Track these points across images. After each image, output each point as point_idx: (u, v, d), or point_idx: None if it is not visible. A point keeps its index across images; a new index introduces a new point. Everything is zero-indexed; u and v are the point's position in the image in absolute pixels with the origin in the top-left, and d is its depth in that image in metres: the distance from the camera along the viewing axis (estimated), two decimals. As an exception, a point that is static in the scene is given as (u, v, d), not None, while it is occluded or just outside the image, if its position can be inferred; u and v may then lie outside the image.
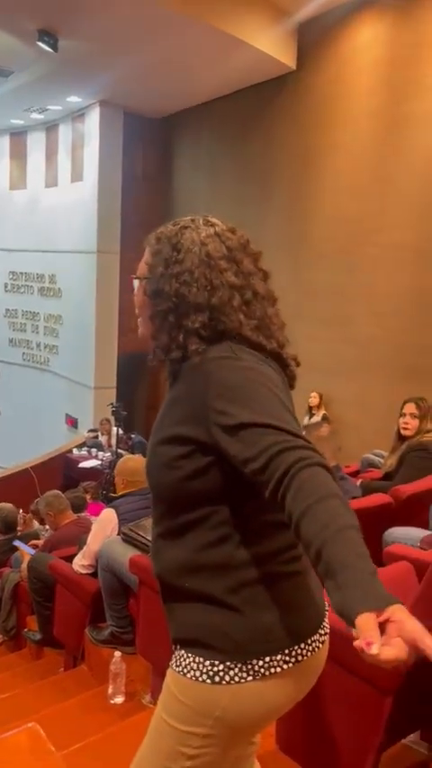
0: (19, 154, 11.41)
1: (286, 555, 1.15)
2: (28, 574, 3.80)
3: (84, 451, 9.03)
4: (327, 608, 1.26)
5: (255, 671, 1.11)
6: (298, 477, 0.96)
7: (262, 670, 1.11)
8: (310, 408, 7.61)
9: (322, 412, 7.59)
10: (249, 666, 1.11)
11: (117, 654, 2.78)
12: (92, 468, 8.29)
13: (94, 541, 3.23)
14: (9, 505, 5.10)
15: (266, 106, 8.31)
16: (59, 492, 4.46)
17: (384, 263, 6.84)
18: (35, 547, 4.29)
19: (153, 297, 1.21)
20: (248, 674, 1.11)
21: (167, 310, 1.19)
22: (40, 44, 6.71)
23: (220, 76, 8.15)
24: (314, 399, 7.58)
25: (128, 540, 2.98)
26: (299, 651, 1.14)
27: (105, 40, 7.11)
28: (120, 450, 7.97)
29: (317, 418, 7.44)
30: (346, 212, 7.28)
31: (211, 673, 1.12)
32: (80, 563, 3.34)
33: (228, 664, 1.12)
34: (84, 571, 3.32)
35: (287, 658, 1.12)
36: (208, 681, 1.12)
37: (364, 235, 7.06)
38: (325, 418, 7.36)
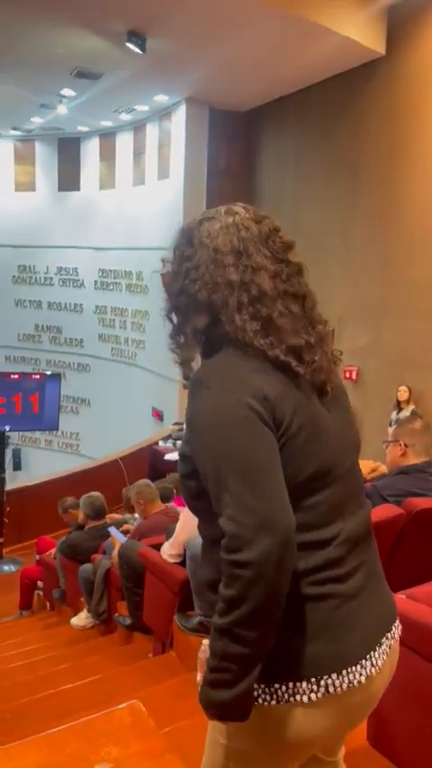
0: (108, 155, 11.74)
1: (317, 576, 1.05)
2: (118, 560, 3.92)
3: (169, 444, 9.21)
4: (387, 639, 1.12)
5: (278, 695, 1.05)
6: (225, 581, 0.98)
7: (286, 695, 1.04)
8: (399, 403, 7.39)
9: (411, 407, 7.35)
10: (273, 689, 1.05)
11: (205, 642, 2.82)
12: (177, 460, 8.43)
13: (182, 531, 3.29)
14: (97, 493, 5.28)
15: (354, 94, 8.11)
16: (150, 481, 4.58)
17: None
18: (126, 533, 4.42)
19: (166, 294, 1.16)
20: (272, 698, 1.05)
21: (175, 309, 1.14)
22: (129, 45, 6.86)
23: (306, 66, 8.03)
24: (403, 393, 7.35)
25: (215, 530, 3.01)
26: (329, 682, 1.04)
27: (191, 37, 7.18)
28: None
29: (405, 413, 7.22)
30: (439, 200, 7.00)
31: None
32: (168, 552, 3.41)
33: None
34: (172, 560, 3.39)
35: (314, 687, 1.04)
36: None
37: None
38: (414, 413, 7.12)
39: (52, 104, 9.73)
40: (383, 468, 2.95)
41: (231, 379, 1.03)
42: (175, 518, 3.78)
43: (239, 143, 10.38)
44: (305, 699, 1.03)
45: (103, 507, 5.18)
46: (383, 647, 1.11)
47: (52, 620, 5.53)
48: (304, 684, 1.04)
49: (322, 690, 1.04)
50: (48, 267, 12.74)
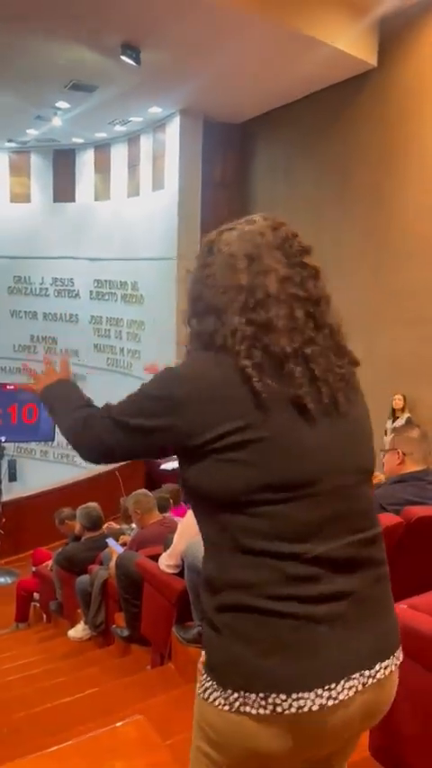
0: (103, 167, 11.79)
1: (274, 590, 1.04)
2: (116, 571, 3.90)
3: (165, 454, 9.18)
4: (363, 676, 1.07)
5: (230, 702, 1.05)
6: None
7: (237, 704, 1.04)
8: (394, 411, 7.40)
9: (406, 415, 7.37)
10: (227, 694, 1.05)
11: (204, 655, 2.80)
12: (173, 469, 8.41)
13: (179, 541, 3.28)
14: (94, 504, 5.27)
15: (347, 105, 8.18)
16: (147, 491, 4.56)
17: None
18: (124, 544, 4.41)
19: (187, 300, 1.21)
20: (225, 702, 1.06)
21: (193, 314, 1.18)
22: (123, 58, 6.91)
23: (299, 78, 8.10)
24: (398, 402, 7.37)
25: (213, 541, 3.00)
26: (278, 702, 1.02)
27: (185, 50, 7.24)
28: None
29: (401, 421, 7.23)
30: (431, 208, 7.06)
31: (203, 686, 1.10)
32: (166, 563, 3.39)
33: (212, 683, 1.08)
34: (170, 570, 3.37)
35: (262, 702, 1.02)
36: (200, 693, 1.10)
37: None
38: (409, 421, 7.14)
39: (47, 116, 9.78)
40: (381, 477, 2.96)
41: (186, 375, 1.12)
42: (173, 528, 3.76)
43: (233, 154, 10.44)
44: (254, 711, 1.04)
45: (99, 518, 5.16)
46: (354, 682, 1.06)
47: (49, 632, 5.49)
48: (253, 696, 1.04)
49: (270, 707, 1.03)
50: (43, 278, 12.75)
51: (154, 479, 8.45)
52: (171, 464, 8.59)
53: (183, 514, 4.29)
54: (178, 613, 3.32)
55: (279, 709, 1.02)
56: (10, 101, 9.13)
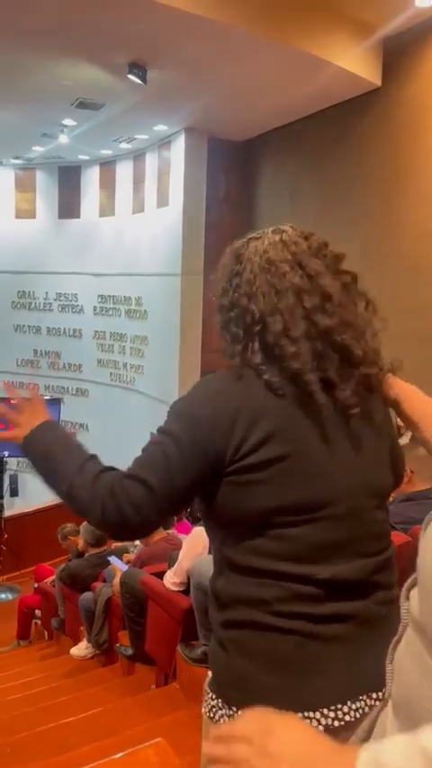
0: (108, 183, 11.89)
1: (282, 608, 1.03)
2: (120, 589, 3.87)
3: (169, 470, 9.15)
4: (372, 699, 1.04)
5: (234, 719, 1.02)
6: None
7: None
8: (399, 428, 7.37)
9: (410, 432, 7.34)
10: (231, 712, 1.04)
11: (210, 673, 2.77)
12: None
13: (185, 559, 3.26)
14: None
15: (351, 124, 8.25)
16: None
17: None
18: (128, 562, 4.37)
19: (217, 310, 1.20)
20: (230, 721, 1.02)
21: (226, 323, 1.16)
22: (130, 77, 6.98)
23: (304, 97, 8.18)
24: (402, 419, 7.35)
25: (219, 558, 2.98)
26: None
27: (191, 69, 7.32)
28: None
29: (405, 438, 7.20)
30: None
31: (209, 705, 1.08)
32: (172, 580, 3.36)
33: (218, 701, 1.06)
34: (175, 588, 3.34)
35: None
36: (206, 712, 1.09)
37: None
38: (414, 438, 7.11)
39: (54, 134, 9.87)
40: (389, 495, 2.94)
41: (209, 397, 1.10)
42: (178, 545, 3.74)
43: (238, 171, 10.52)
44: None
45: (103, 534, 5.13)
46: (361, 704, 1.04)
47: (51, 650, 5.44)
48: None
49: None
50: (47, 293, 12.81)
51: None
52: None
53: (187, 531, 4.26)
54: (183, 632, 3.29)
55: None
56: (17, 119, 9.23)
